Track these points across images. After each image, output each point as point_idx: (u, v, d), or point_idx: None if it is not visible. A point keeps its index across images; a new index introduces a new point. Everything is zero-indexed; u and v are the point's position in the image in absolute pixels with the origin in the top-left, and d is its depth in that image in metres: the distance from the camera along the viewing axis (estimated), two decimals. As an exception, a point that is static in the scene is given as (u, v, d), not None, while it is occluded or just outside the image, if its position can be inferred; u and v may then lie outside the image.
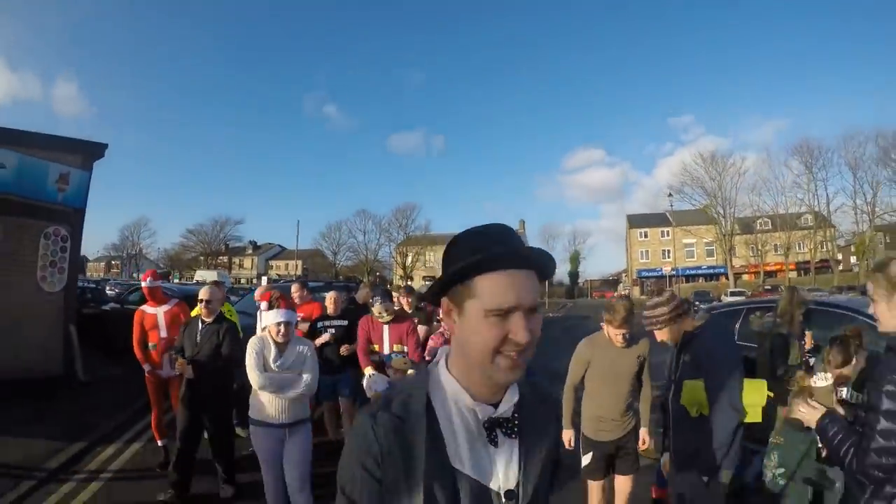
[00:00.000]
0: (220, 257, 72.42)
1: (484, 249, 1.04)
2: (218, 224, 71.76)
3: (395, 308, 5.67)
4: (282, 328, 3.98)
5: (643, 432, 3.72)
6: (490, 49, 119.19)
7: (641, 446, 3.68)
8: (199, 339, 4.87)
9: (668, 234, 60.13)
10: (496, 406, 1.09)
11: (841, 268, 52.05)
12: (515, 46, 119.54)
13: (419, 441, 1.04)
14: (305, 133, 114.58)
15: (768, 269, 54.62)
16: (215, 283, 5.61)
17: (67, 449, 5.79)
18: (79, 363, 8.92)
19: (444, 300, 1.11)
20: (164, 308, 6.00)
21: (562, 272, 67.14)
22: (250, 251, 78.53)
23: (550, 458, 1.23)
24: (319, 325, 6.24)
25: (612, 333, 3.59)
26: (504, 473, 1.10)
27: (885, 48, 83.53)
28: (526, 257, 1.07)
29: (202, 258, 69.33)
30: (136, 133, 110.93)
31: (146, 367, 5.73)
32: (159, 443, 5.74)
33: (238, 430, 5.96)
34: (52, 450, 5.72)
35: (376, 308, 5.41)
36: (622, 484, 3.81)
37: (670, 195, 54.47)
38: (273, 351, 4.01)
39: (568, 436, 3.91)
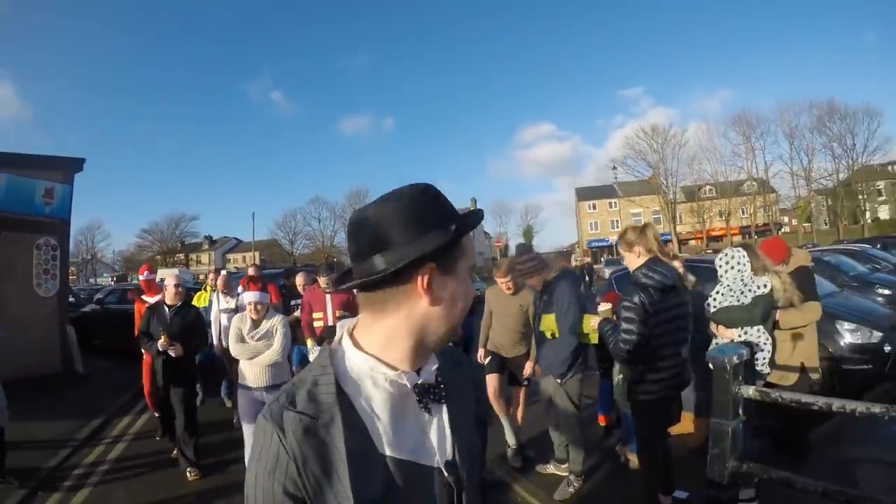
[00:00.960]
0: (177, 255, 71.71)
1: (455, 209, 1.04)
2: (173, 221, 70.81)
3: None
4: (256, 306, 4.66)
5: (529, 362, 4.86)
6: (435, 25, 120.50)
7: (526, 371, 4.90)
8: (169, 320, 5.33)
9: (615, 206, 61.96)
10: (418, 374, 1.02)
11: (787, 230, 55.03)
12: (461, 21, 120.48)
13: (337, 437, 0.92)
14: (252, 122, 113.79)
15: (713, 234, 56.89)
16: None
17: (89, 424, 6.87)
18: (78, 359, 9.96)
19: (427, 267, 0.97)
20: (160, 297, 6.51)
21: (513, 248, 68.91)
22: (206, 246, 77.75)
23: (478, 420, 1.21)
24: (293, 303, 7.08)
25: (500, 282, 4.96)
26: (439, 444, 1.03)
27: (818, 23, 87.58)
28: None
29: (159, 257, 68.59)
30: (78, 134, 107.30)
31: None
32: (156, 414, 6.37)
33: (225, 401, 7.21)
34: (76, 426, 6.77)
35: (321, 280, 6.15)
36: (517, 392, 5.39)
37: (614, 168, 56.29)
38: (248, 325, 4.67)
39: (480, 353, 5.31)
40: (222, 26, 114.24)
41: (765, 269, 3.81)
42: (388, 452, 0.95)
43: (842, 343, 5.74)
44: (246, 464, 1.10)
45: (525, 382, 5.25)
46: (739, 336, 3.69)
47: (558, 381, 4.22)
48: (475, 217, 1.04)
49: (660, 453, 3.57)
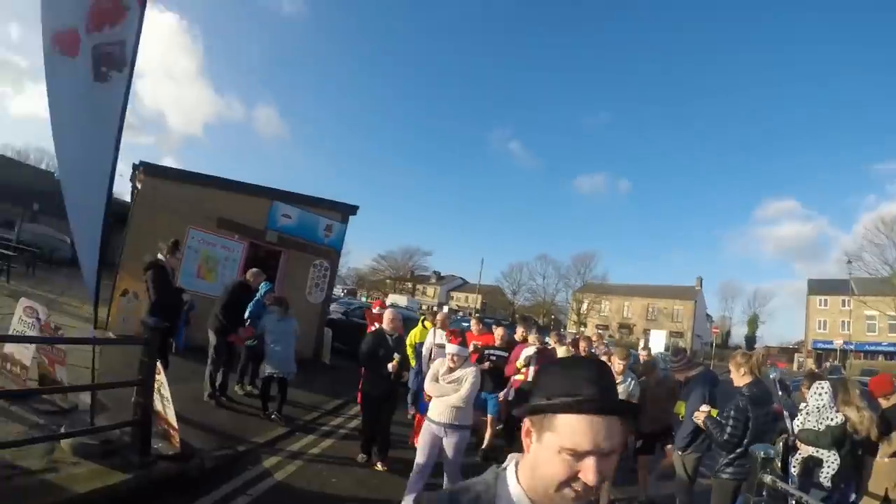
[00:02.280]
0: (406, 283, 77.91)
1: (574, 389, 1.09)
2: (408, 253, 77.11)
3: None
4: (454, 358, 5.35)
5: None
6: (681, 90, 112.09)
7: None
8: (392, 346, 6.58)
9: (848, 304, 52.19)
10: None
11: None
12: (705, 88, 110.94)
13: None
14: (492, 170, 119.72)
15: None
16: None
17: (332, 400, 9.20)
18: (328, 353, 13.03)
19: (527, 419, 1.15)
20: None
21: (738, 335, 64.82)
22: (434, 280, 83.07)
23: None
24: (486, 352, 7.83)
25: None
26: None
27: None
28: (611, 407, 1.10)
29: (388, 281, 74.40)
30: (328, 158, 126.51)
31: None
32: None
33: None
34: (324, 400, 9.11)
35: (530, 338, 7.77)
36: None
37: (849, 262, 47.77)
38: (444, 369, 5.39)
39: None
40: (473, 71, 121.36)
41: (847, 404, 4.63)
42: None
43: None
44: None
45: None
46: (813, 452, 4.63)
47: (679, 452, 5.44)
48: (561, 407, 1.09)
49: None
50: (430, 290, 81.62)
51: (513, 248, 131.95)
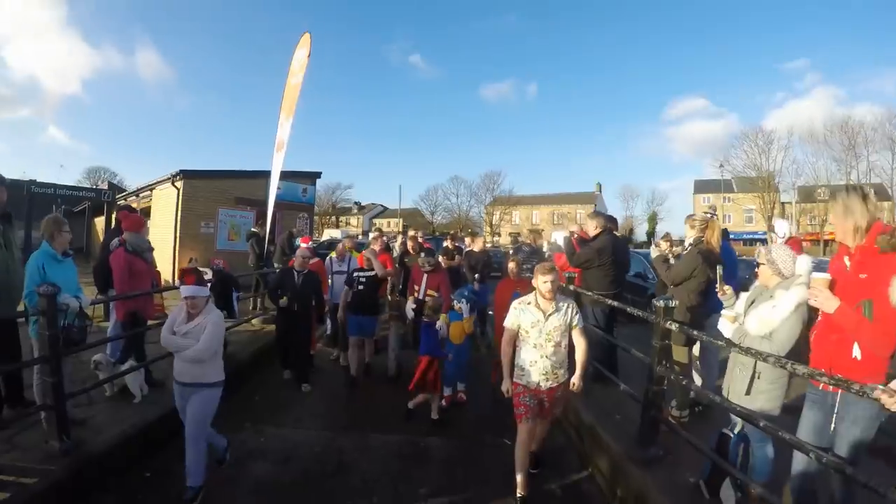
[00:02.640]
0: (330, 217, 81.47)
1: None
2: (329, 189, 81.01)
3: (434, 263, 7.12)
4: (188, 301, 4.16)
5: None
6: None
7: None
8: (295, 280, 6.81)
9: (729, 200, 60.82)
10: None
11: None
12: None
13: None
14: (397, 89, 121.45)
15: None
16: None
17: None
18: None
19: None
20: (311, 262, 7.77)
21: (640, 232, 70.98)
22: (356, 211, 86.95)
23: None
24: (354, 274, 7.37)
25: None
26: None
27: None
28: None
29: (315, 218, 78.12)
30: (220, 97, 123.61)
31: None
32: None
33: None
34: None
35: (420, 259, 7.28)
36: None
37: (721, 166, 56.34)
38: (182, 317, 4.23)
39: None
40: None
41: None
42: None
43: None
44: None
45: None
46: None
47: None
48: None
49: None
50: (353, 221, 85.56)
51: (428, 172, 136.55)
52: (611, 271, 6.14)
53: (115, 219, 7.16)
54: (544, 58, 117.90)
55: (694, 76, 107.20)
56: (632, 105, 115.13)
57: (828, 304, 2.86)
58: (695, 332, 4.25)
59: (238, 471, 4.76)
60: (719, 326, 3.86)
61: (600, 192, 72.02)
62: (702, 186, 66.84)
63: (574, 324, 4.32)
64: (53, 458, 4.10)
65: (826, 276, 3.04)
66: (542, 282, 4.17)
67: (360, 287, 7.16)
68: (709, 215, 5.34)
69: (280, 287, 6.99)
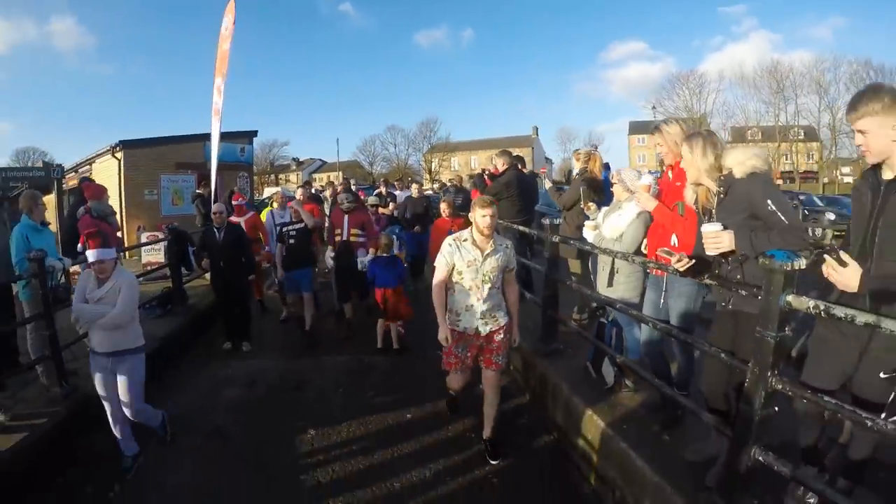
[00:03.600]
0: (269, 175, 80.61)
1: None
2: (266, 146, 79.28)
3: (353, 201, 7.24)
4: (96, 266, 3.95)
5: None
6: None
7: None
8: (216, 237, 6.67)
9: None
10: None
11: (826, 180, 52.77)
12: None
13: None
14: (329, 41, 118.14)
15: None
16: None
17: None
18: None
19: None
20: (244, 218, 8.13)
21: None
22: (294, 167, 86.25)
23: None
24: (284, 229, 7.16)
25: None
26: None
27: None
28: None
29: (255, 177, 77.22)
30: (147, 63, 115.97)
31: None
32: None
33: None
34: None
35: (339, 198, 7.36)
36: None
37: (653, 108, 58.08)
38: (92, 284, 4.02)
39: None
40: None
41: None
42: None
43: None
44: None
45: None
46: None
47: None
48: None
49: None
50: (292, 177, 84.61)
51: (364, 123, 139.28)
52: (517, 202, 7.07)
53: (79, 189, 7.69)
54: (479, 1, 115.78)
55: (633, 19, 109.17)
56: (569, 49, 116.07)
57: (648, 204, 3.87)
58: (571, 241, 5.22)
59: (213, 396, 5.62)
60: (584, 234, 4.93)
61: (537, 135, 73.19)
62: (636, 127, 68.19)
63: (510, 267, 4.16)
64: (56, 402, 4.64)
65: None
66: (480, 216, 3.88)
67: (292, 241, 7.07)
68: (591, 149, 6.37)
69: (203, 247, 6.93)
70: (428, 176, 69.26)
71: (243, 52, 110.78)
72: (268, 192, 50.44)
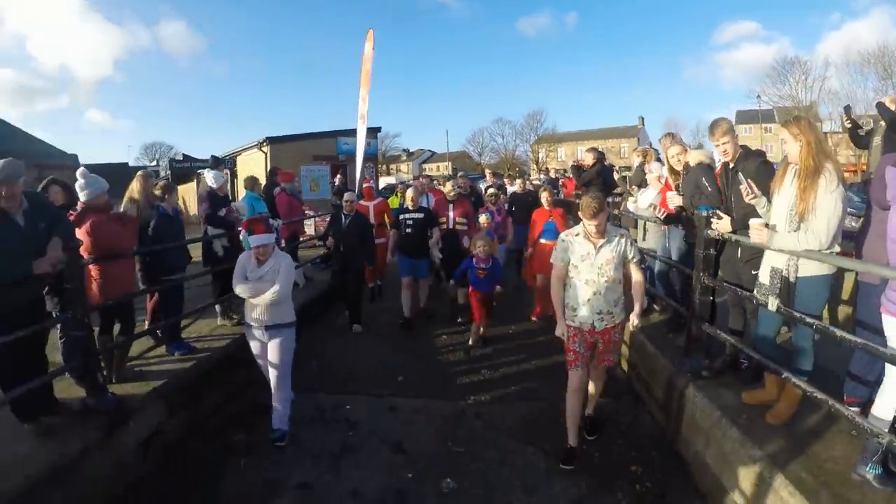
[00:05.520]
0: (381, 165, 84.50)
1: None
2: (379, 138, 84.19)
3: (459, 190, 7.94)
4: (259, 250, 4.36)
5: None
6: None
7: None
8: (342, 223, 7.16)
9: (770, 131, 58.03)
10: None
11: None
12: None
13: None
14: (431, 34, 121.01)
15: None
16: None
17: None
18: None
19: None
20: (374, 203, 8.87)
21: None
22: (405, 158, 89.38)
23: None
24: (401, 217, 7.42)
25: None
26: None
27: None
28: None
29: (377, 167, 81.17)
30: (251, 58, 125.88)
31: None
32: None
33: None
34: None
35: (446, 188, 7.91)
36: None
37: (758, 97, 54.74)
38: (252, 264, 4.43)
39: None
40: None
41: None
42: None
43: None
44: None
45: None
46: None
47: None
48: None
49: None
50: (403, 167, 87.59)
51: (473, 115, 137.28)
52: (600, 189, 8.54)
53: (272, 172, 10.28)
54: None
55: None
56: (678, 31, 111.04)
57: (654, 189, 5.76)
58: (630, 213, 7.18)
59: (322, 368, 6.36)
60: (628, 206, 6.99)
61: (643, 125, 72.53)
62: (744, 117, 63.79)
63: (630, 256, 4.02)
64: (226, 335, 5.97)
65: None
66: (588, 224, 3.89)
67: (409, 230, 7.28)
68: (648, 146, 8.17)
69: (330, 229, 7.47)
70: (535, 166, 70.59)
71: (351, 49, 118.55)
72: (382, 181, 53.64)
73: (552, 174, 17.63)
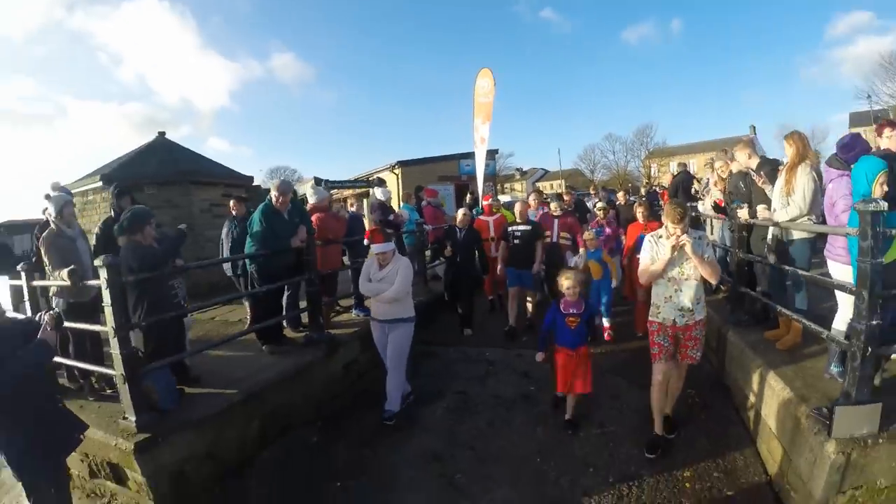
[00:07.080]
0: (496, 184, 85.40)
1: None
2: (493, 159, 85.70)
3: (564, 207, 8.39)
4: (379, 256, 5.15)
5: None
6: None
7: None
8: (457, 236, 7.86)
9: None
10: None
11: None
12: None
13: None
14: (534, 50, 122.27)
15: None
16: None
17: None
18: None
19: None
20: (494, 218, 9.11)
21: None
22: (518, 177, 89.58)
23: None
24: (510, 229, 7.72)
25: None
26: None
27: None
28: None
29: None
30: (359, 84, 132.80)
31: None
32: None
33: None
34: None
35: (552, 205, 8.29)
36: None
37: (868, 97, 50.21)
38: (374, 268, 5.23)
39: None
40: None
41: None
42: None
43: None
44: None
45: None
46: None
47: None
48: None
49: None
50: (517, 186, 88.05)
51: (583, 132, 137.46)
52: (683, 196, 9.71)
53: (418, 188, 12.76)
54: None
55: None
56: (789, 29, 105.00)
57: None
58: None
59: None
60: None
61: (755, 133, 69.66)
62: (857, 119, 53.92)
63: (706, 256, 4.20)
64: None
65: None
66: (671, 228, 4.15)
67: (516, 241, 7.56)
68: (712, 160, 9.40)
69: (446, 241, 8.00)
70: (646, 182, 69.87)
71: (459, 72, 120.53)
72: (503, 198, 54.96)
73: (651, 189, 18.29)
